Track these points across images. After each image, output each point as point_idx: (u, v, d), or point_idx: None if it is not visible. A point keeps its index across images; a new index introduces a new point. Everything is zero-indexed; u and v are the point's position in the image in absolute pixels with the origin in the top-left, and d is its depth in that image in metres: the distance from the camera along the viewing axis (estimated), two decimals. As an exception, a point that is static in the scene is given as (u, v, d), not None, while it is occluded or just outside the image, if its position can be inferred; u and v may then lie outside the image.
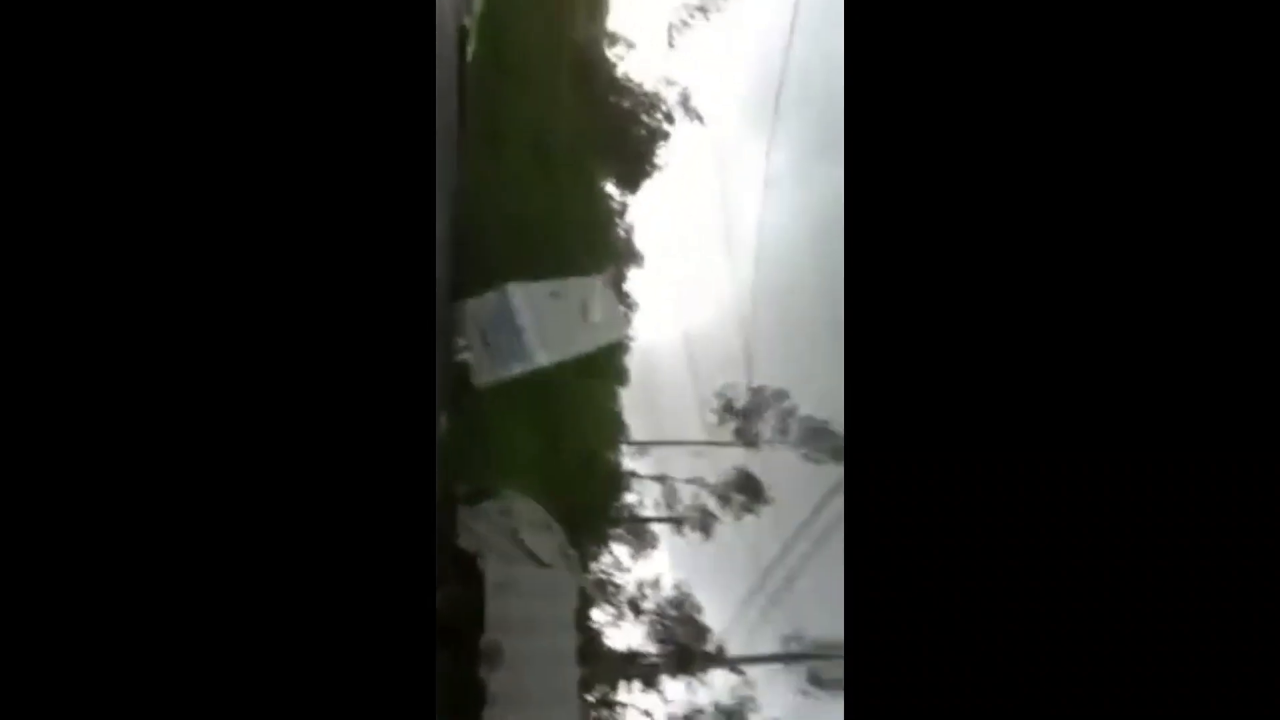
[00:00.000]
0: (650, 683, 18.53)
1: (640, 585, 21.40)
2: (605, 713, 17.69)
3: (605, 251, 22.23)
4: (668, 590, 21.89)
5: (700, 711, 19.13)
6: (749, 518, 23.64)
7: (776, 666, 19.73)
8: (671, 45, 25.57)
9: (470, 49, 14.20)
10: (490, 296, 13.16)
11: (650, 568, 22.73)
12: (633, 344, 23.27)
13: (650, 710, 18.47)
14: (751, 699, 18.85)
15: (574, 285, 14.81)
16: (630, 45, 25.59)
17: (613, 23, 25.73)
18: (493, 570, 11.40)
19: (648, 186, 24.72)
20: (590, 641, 15.72)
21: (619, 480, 23.04)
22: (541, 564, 11.90)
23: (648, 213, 25.89)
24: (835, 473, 22.33)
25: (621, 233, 24.67)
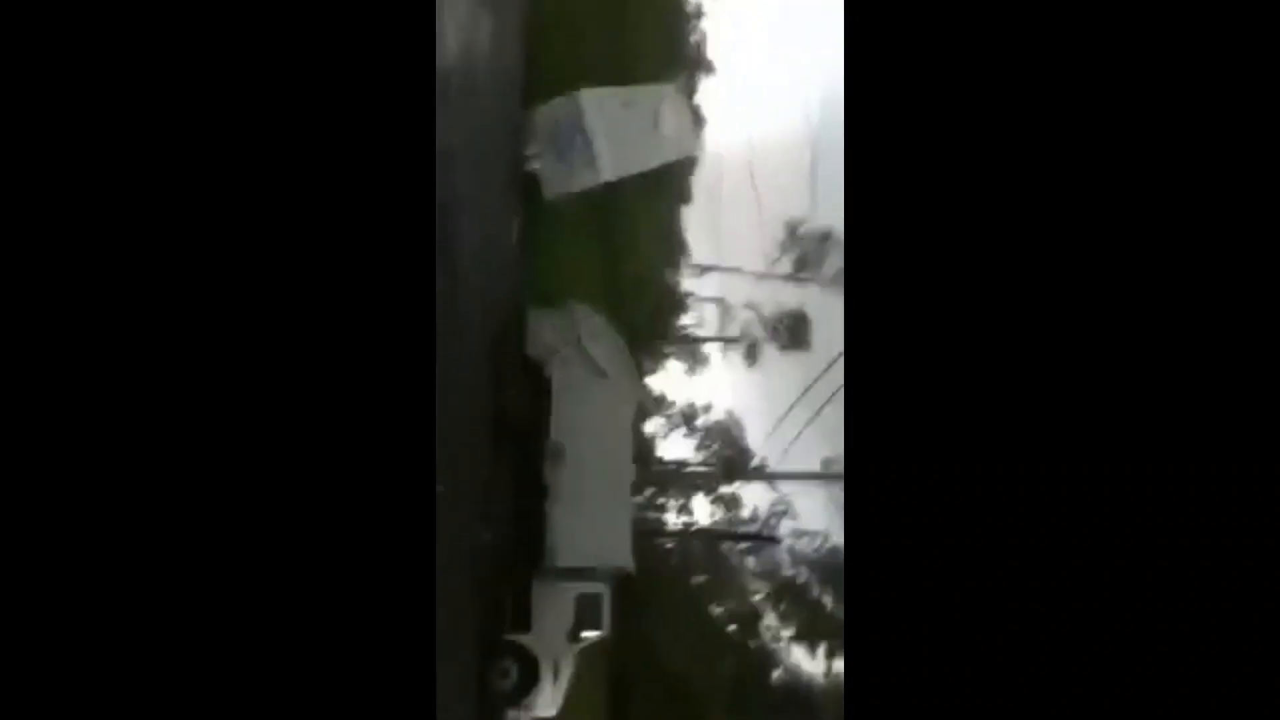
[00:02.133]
0: (696, 490, 19.70)
1: (691, 401, 22.17)
2: (654, 515, 18.99)
3: (678, 57, 21.05)
4: (717, 408, 22.70)
5: (741, 519, 20.41)
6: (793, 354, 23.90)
7: (814, 484, 20.67)
8: None
9: None
10: (561, 103, 12.73)
11: (701, 385, 23.47)
12: (699, 160, 22.55)
13: (695, 516, 19.78)
14: (788, 510, 19.96)
15: (646, 93, 14.17)
16: None
17: None
18: (558, 376, 11.89)
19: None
20: (643, 448, 16.57)
21: (677, 300, 23.25)
22: (602, 372, 12.33)
23: (722, 18, 24.09)
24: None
25: (694, 39, 23.20)
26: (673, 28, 21.15)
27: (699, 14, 23.40)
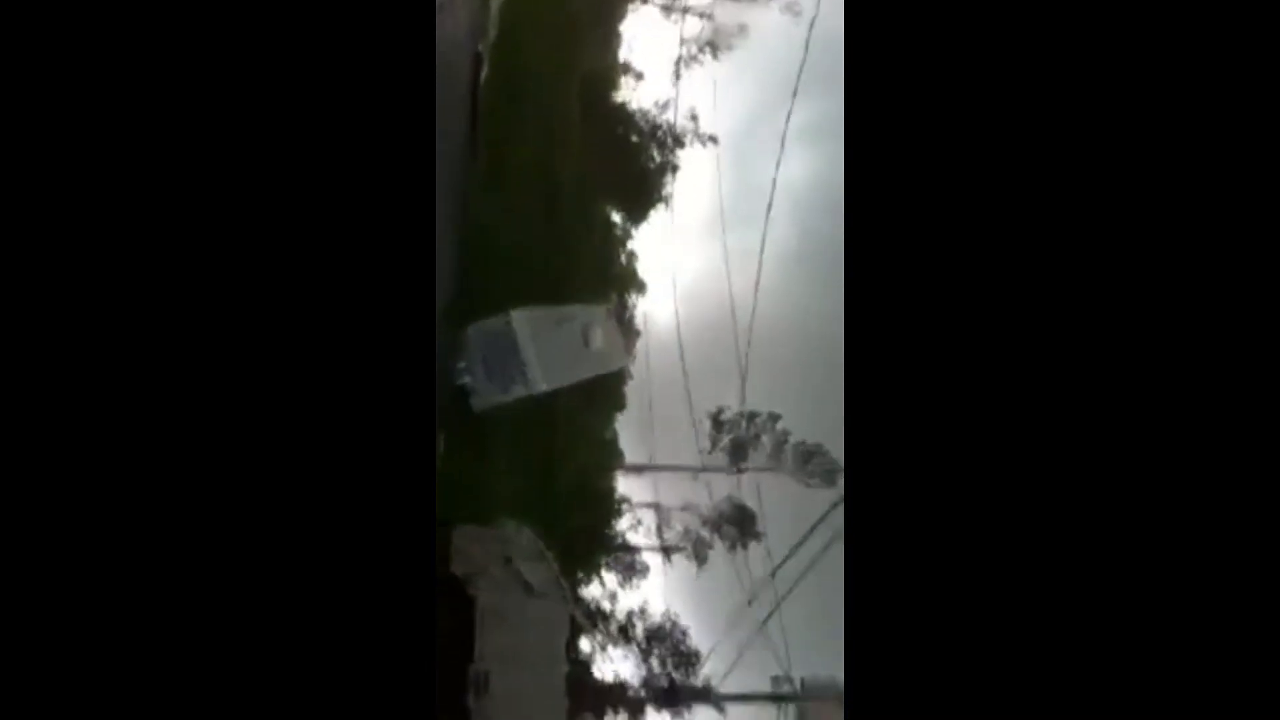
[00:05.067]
0: (636, 716, 18.34)
1: (629, 615, 21.23)
2: (591, 745, 17.49)
3: (609, 280, 22.32)
4: (657, 620, 21.73)
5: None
6: (739, 551, 23.55)
7: (764, 705, 19.52)
8: (678, 78, 25.91)
9: (484, 74, 14.38)
10: (493, 321, 13.21)
11: (641, 596, 22.60)
12: (632, 370, 23.24)
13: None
14: None
15: (577, 313, 14.88)
16: (639, 77, 25.92)
17: (623, 54, 26.07)
18: (484, 597, 11.33)
19: (653, 216, 24.89)
20: (577, 672, 15.58)
21: (612, 506, 22.94)
22: (533, 593, 11.83)
23: (652, 241, 25.96)
24: (829, 497, 22.38)
25: (624, 260, 24.78)
26: (604, 251, 22.63)
27: (628, 237, 25.18)
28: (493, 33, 15.08)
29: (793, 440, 24.13)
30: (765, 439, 24.38)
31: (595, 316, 14.88)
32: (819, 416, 24.02)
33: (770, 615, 12.75)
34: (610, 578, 21.71)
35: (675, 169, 23.88)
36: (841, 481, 21.92)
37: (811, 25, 12.55)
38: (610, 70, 25.03)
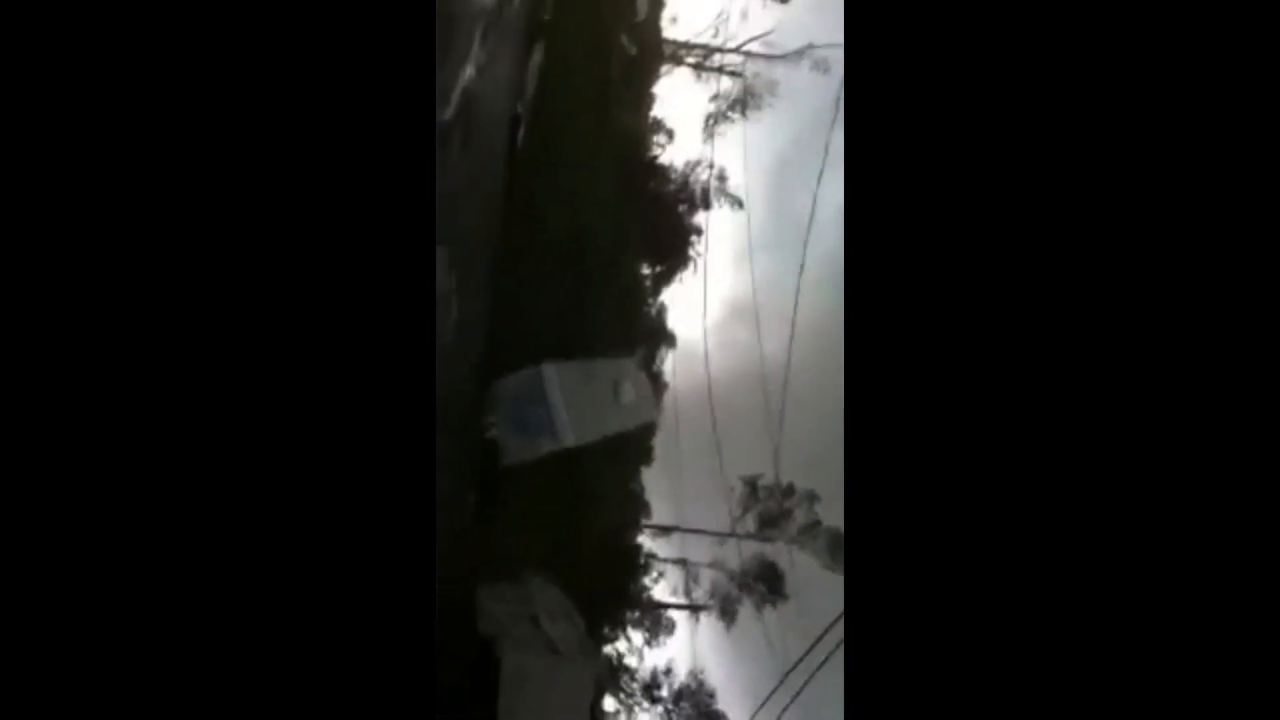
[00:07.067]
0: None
1: (655, 674, 20.79)
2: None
3: (639, 333, 22.40)
4: (683, 679, 21.22)
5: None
6: (769, 610, 22.96)
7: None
8: (709, 136, 26.33)
9: (520, 134, 14.70)
10: (523, 374, 13.24)
11: (667, 654, 22.12)
12: (661, 426, 23.09)
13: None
14: None
15: (607, 366, 14.88)
16: (670, 134, 26.38)
17: (656, 112, 26.59)
18: (509, 659, 11.11)
19: (684, 271, 25.02)
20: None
21: (639, 563, 22.61)
22: (559, 653, 11.59)
23: (683, 296, 26.03)
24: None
25: (654, 314, 24.87)
26: (633, 301, 22.75)
27: (659, 291, 25.31)
28: (530, 92, 15.45)
29: (825, 525, 23.53)
30: (798, 514, 23.84)
31: (625, 369, 14.86)
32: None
33: (805, 685, 12.32)
34: (636, 635, 21.31)
35: (701, 232, 24.04)
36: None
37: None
38: (643, 129, 25.50)
